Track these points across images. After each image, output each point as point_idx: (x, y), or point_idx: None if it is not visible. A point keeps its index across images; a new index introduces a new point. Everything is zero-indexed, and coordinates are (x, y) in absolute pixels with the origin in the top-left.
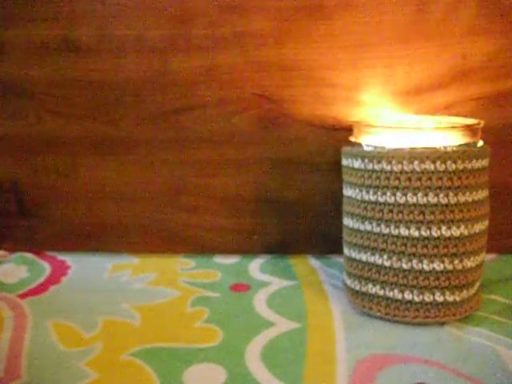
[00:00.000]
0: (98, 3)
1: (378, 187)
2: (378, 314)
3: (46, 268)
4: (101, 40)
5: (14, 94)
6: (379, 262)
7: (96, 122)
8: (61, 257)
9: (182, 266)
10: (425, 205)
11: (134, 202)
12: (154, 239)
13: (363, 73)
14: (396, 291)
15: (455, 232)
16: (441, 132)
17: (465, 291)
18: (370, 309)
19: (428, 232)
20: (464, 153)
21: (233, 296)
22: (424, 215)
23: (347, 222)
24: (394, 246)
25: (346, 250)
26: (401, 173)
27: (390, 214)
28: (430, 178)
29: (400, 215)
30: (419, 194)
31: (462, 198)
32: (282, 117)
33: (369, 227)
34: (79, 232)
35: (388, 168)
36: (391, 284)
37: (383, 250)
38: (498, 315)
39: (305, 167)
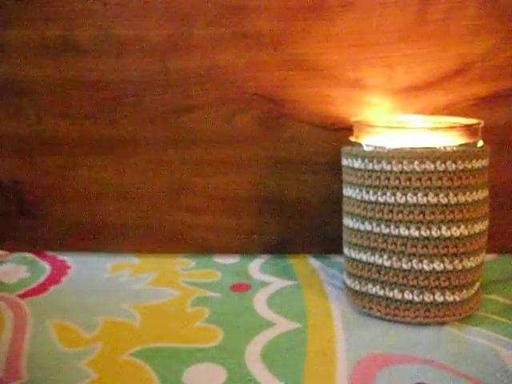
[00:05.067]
0: (98, 3)
1: (377, 187)
2: (378, 313)
3: (46, 268)
4: (101, 40)
5: (14, 94)
6: (379, 262)
7: (96, 122)
8: (61, 257)
9: (182, 266)
10: (425, 205)
11: (134, 202)
12: (154, 239)
13: (363, 73)
14: (396, 291)
15: (455, 232)
16: (441, 132)
17: (465, 291)
18: (370, 309)
19: (428, 232)
20: (464, 153)
21: (233, 296)
22: (424, 215)
23: (347, 222)
24: (393, 246)
25: (345, 250)
26: (401, 173)
27: (390, 214)
28: (429, 178)
29: (400, 215)
30: (419, 194)
31: (462, 198)
32: (282, 117)
33: (369, 227)
34: (79, 232)
35: (388, 168)
36: (391, 284)
37: (383, 249)
38: (498, 315)
39: (305, 167)
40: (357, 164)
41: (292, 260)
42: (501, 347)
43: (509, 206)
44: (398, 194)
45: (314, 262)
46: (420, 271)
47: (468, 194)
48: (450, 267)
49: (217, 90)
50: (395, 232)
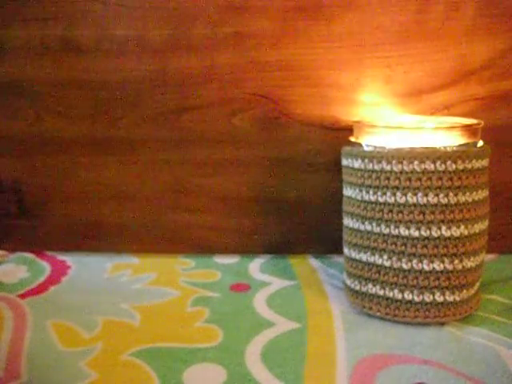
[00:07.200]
0: (98, 3)
1: (377, 187)
2: (378, 313)
3: (46, 268)
4: (101, 40)
5: (14, 94)
6: (379, 262)
7: (96, 122)
8: (61, 257)
9: (182, 266)
10: (425, 205)
11: (134, 201)
12: (154, 239)
13: (363, 73)
14: (396, 291)
15: (455, 232)
16: (441, 132)
17: (465, 291)
18: (370, 309)
19: (428, 232)
20: (464, 153)
21: (233, 296)
22: (424, 215)
23: (347, 222)
24: (393, 246)
25: (345, 250)
26: (401, 173)
27: (390, 214)
28: (429, 178)
29: (400, 215)
30: (419, 194)
31: (462, 198)
32: (282, 117)
33: (369, 227)
34: (79, 232)
35: (388, 168)
36: (391, 284)
37: (383, 250)
38: (498, 315)
39: (305, 167)
40: (357, 164)
41: (292, 260)
42: (501, 347)
43: (509, 206)
44: (398, 194)
45: (314, 262)
46: (420, 271)
47: (468, 194)
48: (449, 267)
49: (217, 90)
50: (395, 232)
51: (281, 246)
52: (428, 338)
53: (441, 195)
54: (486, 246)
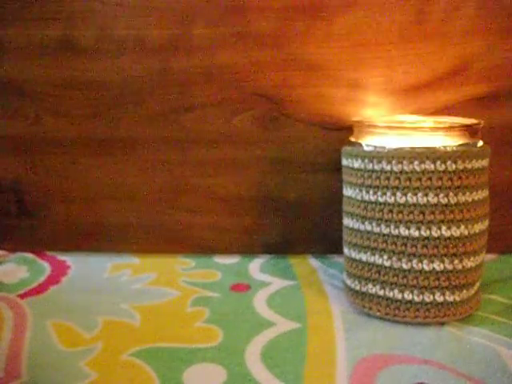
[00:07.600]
0: (98, 3)
1: (377, 187)
2: (378, 313)
3: (46, 268)
4: (101, 40)
5: (14, 94)
6: (379, 261)
7: (96, 122)
8: (61, 257)
9: (182, 266)
10: (425, 205)
11: (134, 201)
12: (154, 239)
13: (363, 73)
14: (396, 291)
15: (455, 232)
16: (441, 132)
17: (465, 291)
18: (370, 309)
19: (428, 232)
20: (464, 153)
21: (233, 296)
22: (424, 215)
23: (347, 222)
24: (393, 246)
25: (346, 250)
26: (401, 173)
27: (390, 214)
28: (430, 178)
29: (400, 215)
30: (419, 194)
31: (462, 198)
32: (282, 117)
33: (369, 227)
34: (79, 232)
35: (388, 168)
36: (391, 284)
37: (383, 250)
38: (498, 315)
39: (305, 167)
40: (357, 164)
41: (292, 260)
42: (501, 347)
43: (509, 206)
44: (398, 194)
45: (314, 262)
46: (420, 271)
47: (468, 194)
48: (449, 267)
49: (217, 90)
50: (395, 232)
51: (281, 246)
52: (428, 338)
53: (441, 195)
54: (485, 245)
